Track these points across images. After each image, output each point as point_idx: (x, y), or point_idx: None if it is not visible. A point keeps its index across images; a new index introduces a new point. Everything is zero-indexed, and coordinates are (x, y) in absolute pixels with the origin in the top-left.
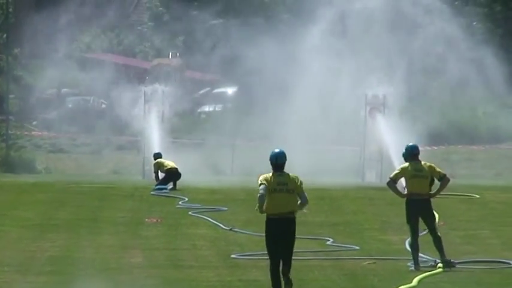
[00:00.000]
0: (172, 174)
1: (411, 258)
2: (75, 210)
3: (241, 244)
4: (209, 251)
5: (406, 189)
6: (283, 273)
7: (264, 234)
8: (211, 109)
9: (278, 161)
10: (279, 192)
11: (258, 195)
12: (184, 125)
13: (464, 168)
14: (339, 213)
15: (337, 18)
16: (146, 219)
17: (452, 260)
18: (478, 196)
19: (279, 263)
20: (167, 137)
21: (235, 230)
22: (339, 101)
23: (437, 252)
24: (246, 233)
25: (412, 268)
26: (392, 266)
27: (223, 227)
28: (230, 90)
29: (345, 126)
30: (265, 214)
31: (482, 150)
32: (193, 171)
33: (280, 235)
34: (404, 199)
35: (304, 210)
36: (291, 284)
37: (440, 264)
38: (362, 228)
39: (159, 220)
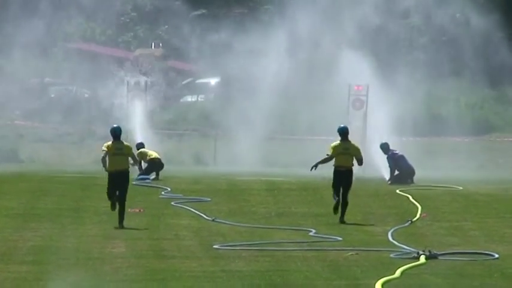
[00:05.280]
0: (155, 165)
1: (394, 249)
2: (58, 200)
3: (224, 234)
4: (192, 241)
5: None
6: (119, 203)
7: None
8: (194, 99)
9: (116, 133)
10: (117, 155)
11: (101, 157)
12: (167, 115)
13: (447, 160)
14: (321, 204)
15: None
16: (129, 209)
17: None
18: (461, 188)
19: (116, 203)
20: (150, 127)
21: (218, 220)
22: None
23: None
24: (228, 224)
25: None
26: (375, 257)
27: (206, 217)
28: (213, 81)
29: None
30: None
31: (465, 142)
32: (176, 162)
33: (118, 184)
34: None
35: (136, 166)
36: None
37: (422, 256)
38: (345, 219)
39: (141, 210)
